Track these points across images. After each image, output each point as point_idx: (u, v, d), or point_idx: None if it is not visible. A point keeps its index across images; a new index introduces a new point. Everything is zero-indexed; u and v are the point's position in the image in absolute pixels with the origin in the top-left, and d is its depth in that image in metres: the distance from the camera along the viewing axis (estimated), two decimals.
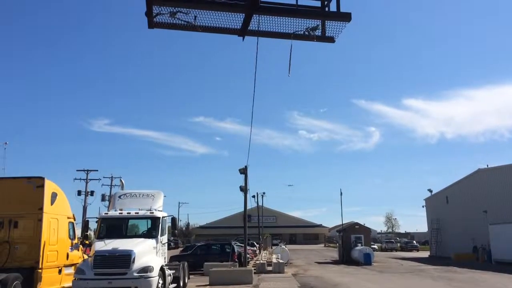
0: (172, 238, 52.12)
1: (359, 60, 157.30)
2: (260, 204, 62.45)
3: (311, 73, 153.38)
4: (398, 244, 71.97)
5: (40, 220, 13.80)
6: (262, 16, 6.36)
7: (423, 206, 57.60)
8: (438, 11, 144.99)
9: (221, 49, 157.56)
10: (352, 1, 6.71)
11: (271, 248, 52.97)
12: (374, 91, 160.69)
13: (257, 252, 43.99)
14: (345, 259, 38.67)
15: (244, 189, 27.30)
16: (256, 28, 6.57)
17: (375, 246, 62.81)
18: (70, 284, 13.83)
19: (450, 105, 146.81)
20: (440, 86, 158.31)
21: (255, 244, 48.22)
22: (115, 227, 15.05)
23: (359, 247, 37.89)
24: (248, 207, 28.62)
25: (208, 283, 19.70)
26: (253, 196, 57.29)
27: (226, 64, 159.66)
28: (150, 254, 13.86)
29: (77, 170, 56.11)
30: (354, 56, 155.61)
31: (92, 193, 55.34)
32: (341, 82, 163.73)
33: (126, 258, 12.93)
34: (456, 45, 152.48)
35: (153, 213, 15.12)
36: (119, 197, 16.50)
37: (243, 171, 26.76)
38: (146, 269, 13.00)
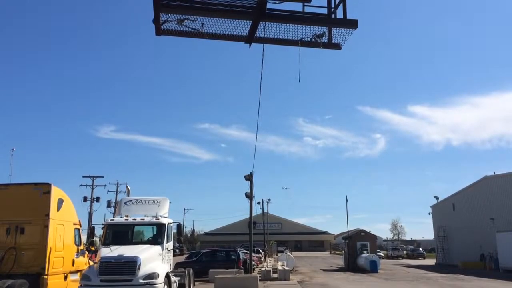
0: (177, 244, 52.09)
1: (364, 67, 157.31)
2: (265, 210, 62.35)
3: (316, 80, 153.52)
4: (404, 252, 71.49)
5: (47, 226, 13.82)
6: (269, 23, 6.38)
7: (429, 213, 57.27)
8: (444, 17, 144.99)
9: (226, 55, 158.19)
10: (359, 8, 6.72)
11: (277, 255, 52.78)
12: (380, 97, 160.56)
13: (262, 259, 43.86)
14: (351, 266, 38.43)
15: (249, 196, 27.27)
16: (263, 35, 6.59)
17: (381, 254, 62.48)
18: None
19: (456, 111, 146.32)
20: (446, 92, 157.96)
21: (261, 251, 48.09)
22: (120, 233, 15.06)
23: (365, 254, 37.67)
24: (253, 213, 28.57)
25: None
26: (258, 203, 57.28)
27: (232, 71, 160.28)
28: (155, 260, 13.84)
29: (83, 177, 56.43)
30: (359, 62, 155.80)
31: (98, 199, 55.54)
32: (346, 89, 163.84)
33: (131, 264, 12.91)
34: (462, 51, 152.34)
35: (158, 219, 15.11)
36: (125, 203, 16.52)
37: (249, 177, 26.73)
38: (151, 276, 12.97)
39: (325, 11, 6.57)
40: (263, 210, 60.82)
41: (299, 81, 7.73)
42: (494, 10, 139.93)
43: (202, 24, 6.19)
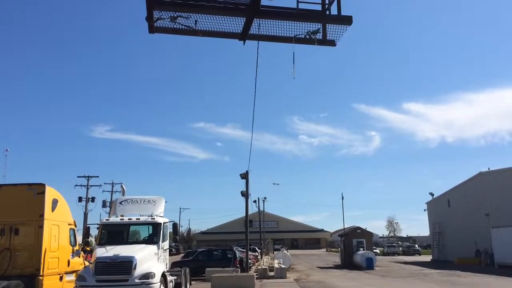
0: (173, 244, 52.09)
1: (359, 65, 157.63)
2: (261, 209, 62.37)
3: (311, 78, 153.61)
4: (400, 248, 71.77)
5: (41, 227, 13.71)
6: (263, 20, 6.34)
7: (424, 210, 57.48)
8: (439, 15, 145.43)
9: (221, 54, 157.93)
10: (353, 4, 6.69)
11: (273, 253, 52.80)
12: (374, 95, 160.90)
13: (258, 257, 43.86)
14: (347, 263, 38.52)
15: (245, 194, 27.24)
16: (257, 32, 6.55)
17: (377, 251, 62.63)
18: None
19: (450, 108, 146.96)
20: (440, 90, 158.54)
21: (257, 249, 48.09)
22: (116, 233, 14.99)
23: (361, 251, 37.76)
24: (250, 212, 28.54)
25: None
26: (254, 201, 57.33)
27: (226, 69, 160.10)
28: (151, 260, 13.79)
29: (78, 177, 56.21)
30: (354, 60, 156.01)
31: (93, 199, 55.35)
32: (341, 87, 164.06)
33: (127, 264, 12.85)
34: (456, 49, 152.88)
35: (154, 219, 15.05)
36: (120, 203, 16.43)
37: (244, 176, 26.71)
38: (147, 276, 12.92)
39: (319, 7, 6.53)
40: (259, 209, 60.89)
41: (294, 78, 7.68)
42: (490, 8, 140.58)
43: (196, 21, 6.14)
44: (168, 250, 15.94)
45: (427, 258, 54.45)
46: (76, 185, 55.63)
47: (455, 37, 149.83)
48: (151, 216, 15.20)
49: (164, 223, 15.27)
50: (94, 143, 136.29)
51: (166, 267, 15.42)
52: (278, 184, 65.48)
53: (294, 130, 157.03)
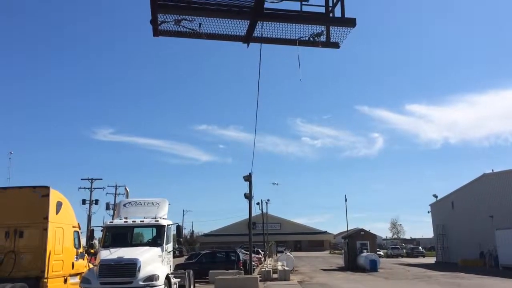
0: (177, 246, 52.09)
1: (361, 66, 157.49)
2: (264, 211, 62.31)
3: (313, 80, 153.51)
4: (404, 250, 71.56)
5: (46, 229, 13.77)
6: (267, 22, 6.36)
7: (428, 212, 57.34)
8: (441, 16, 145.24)
9: (224, 56, 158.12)
10: (357, 6, 6.69)
11: (276, 255, 52.73)
12: (377, 97, 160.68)
13: (262, 259, 43.82)
14: (351, 265, 38.43)
15: (248, 196, 27.25)
16: (260, 35, 6.56)
17: (381, 253, 62.50)
18: None
19: (453, 110, 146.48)
20: (443, 91, 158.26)
21: (260, 251, 48.04)
22: (120, 235, 15.02)
23: (364, 253, 37.67)
24: (253, 214, 28.54)
25: None
26: (258, 203, 57.25)
27: (229, 71, 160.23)
28: (155, 262, 13.82)
29: (81, 179, 56.31)
30: (356, 61, 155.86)
31: (96, 201, 55.42)
32: (344, 89, 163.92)
33: (131, 266, 12.88)
34: (459, 49, 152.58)
35: (158, 221, 15.08)
36: (124, 205, 16.48)
37: (247, 178, 26.72)
38: (151, 278, 12.95)
39: (323, 10, 6.53)
40: (262, 211, 60.87)
41: (301, 80, 7.71)
42: (491, 8, 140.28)
43: (200, 24, 6.15)
44: (172, 252, 15.96)
45: (431, 260, 54.30)
46: (80, 188, 55.80)
47: (457, 37, 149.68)
48: (155, 218, 15.23)
49: (168, 225, 15.29)
50: (97, 145, 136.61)
51: (170, 269, 15.45)
52: (277, 184, 65.11)
53: (297, 132, 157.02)
